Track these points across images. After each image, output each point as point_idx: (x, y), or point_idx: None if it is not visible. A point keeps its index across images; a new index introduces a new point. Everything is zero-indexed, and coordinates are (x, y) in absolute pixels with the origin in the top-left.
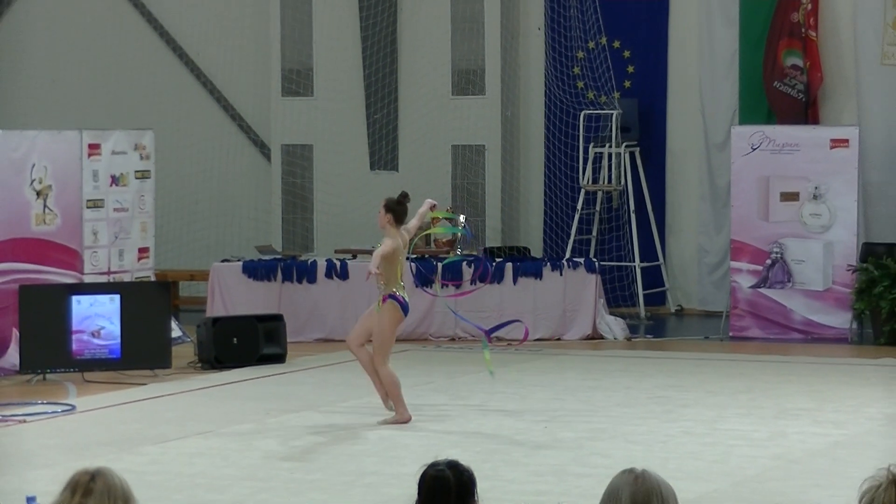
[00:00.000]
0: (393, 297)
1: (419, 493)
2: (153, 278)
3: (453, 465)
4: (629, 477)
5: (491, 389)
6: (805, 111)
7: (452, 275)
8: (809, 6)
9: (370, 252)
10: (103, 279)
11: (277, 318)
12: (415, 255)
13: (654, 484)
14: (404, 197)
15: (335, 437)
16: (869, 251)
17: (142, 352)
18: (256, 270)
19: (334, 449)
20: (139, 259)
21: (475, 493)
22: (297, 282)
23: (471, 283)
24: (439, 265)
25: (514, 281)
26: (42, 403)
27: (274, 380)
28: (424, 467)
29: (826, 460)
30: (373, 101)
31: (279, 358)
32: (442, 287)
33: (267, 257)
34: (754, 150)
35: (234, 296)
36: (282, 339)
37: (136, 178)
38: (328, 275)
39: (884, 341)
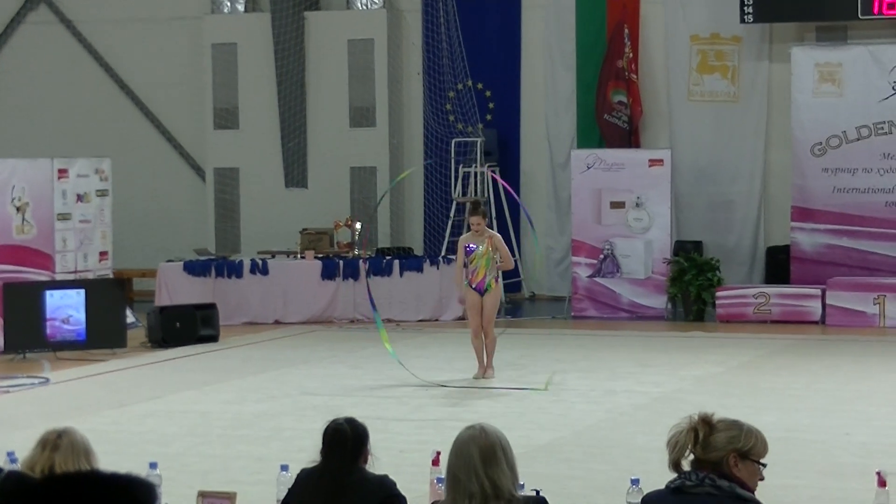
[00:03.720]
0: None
1: (322, 444)
2: (111, 276)
3: (350, 420)
4: (473, 433)
5: (382, 361)
6: (629, 138)
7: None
8: (631, 55)
9: (286, 253)
10: (71, 277)
11: (212, 307)
12: (321, 255)
13: (495, 437)
14: (474, 204)
15: (258, 400)
16: (680, 247)
17: (103, 335)
18: (195, 268)
19: (257, 409)
20: (100, 261)
21: (368, 442)
22: (228, 277)
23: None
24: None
25: (401, 274)
26: (22, 377)
27: (209, 356)
28: (328, 422)
29: (648, 412)
30: (287, 132)
31: (213, 338)
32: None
33: (203, 258)
34: (589, 168)
35: (177, 289)
36: (215, 323)
37: (97, 196)
38: (252, 271)
39: (692, 318)
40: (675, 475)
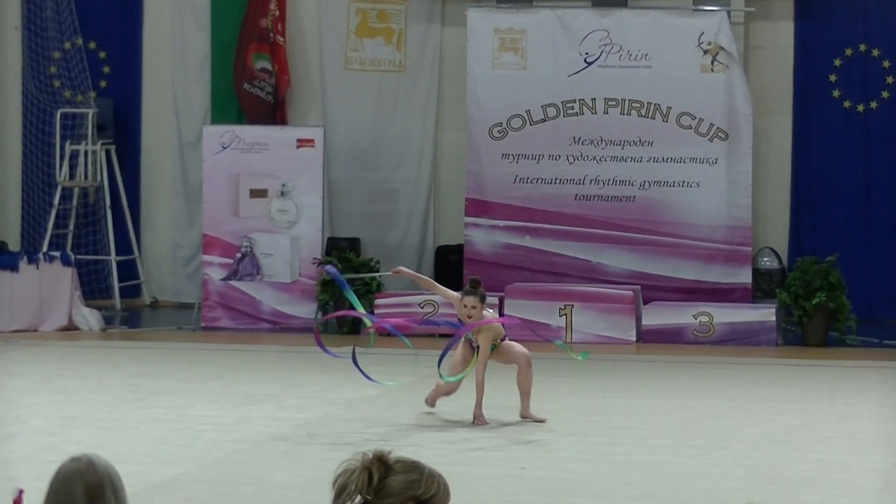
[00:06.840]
0: None
1: None
2: None
3: None
4: (78, 466)
5: None
6: (273, 112)
7: None
8: (277, 13)
9: None
10: None
11: None
12: None
13: (105, 472)
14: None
15: None
16: (333, 245)
17: None
18: None
19: None
20: None
21: None
22: None
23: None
24: None
25: None
26: None
27: None
28: None
29: (288, 443)
30: None
31: None
32: None
33: None
34: (225, 148)
35: None
36: None
37: None
38: None
39: (346, 330)
40: None
